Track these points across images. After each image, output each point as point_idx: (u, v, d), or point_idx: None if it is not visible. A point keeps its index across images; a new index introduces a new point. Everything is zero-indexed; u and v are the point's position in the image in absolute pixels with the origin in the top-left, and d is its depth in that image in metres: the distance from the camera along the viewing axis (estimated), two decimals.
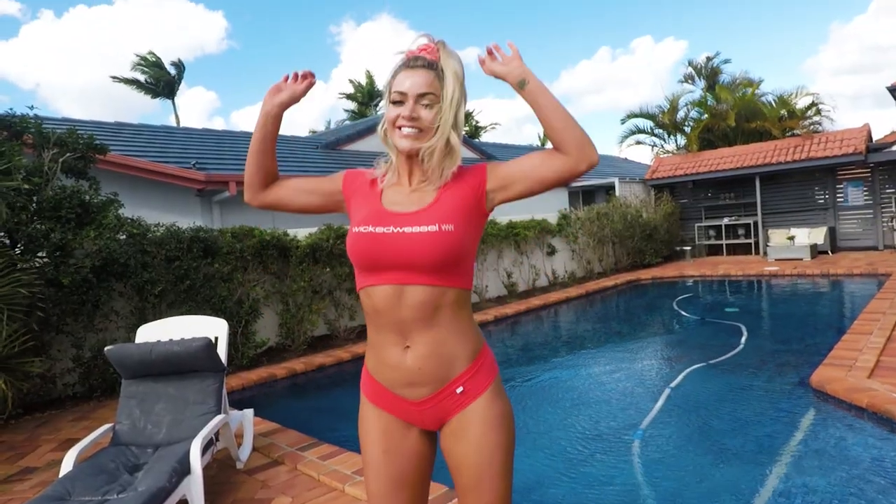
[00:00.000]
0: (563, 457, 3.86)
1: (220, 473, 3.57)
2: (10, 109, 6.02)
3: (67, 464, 2.87)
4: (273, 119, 1.58)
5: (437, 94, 1.43)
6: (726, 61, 20.06)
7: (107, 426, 3.28)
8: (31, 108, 6.15)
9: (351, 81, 29.70)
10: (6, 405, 4.63)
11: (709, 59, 20.02)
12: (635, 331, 8.22)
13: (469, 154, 17.09)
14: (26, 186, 5.32)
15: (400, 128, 1.44)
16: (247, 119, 55.31)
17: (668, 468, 3.58)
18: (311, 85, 1.56)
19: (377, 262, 1.41)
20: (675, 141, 19.93)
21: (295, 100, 1.56)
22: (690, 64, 20.23)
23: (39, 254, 5.43)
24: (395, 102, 1.45)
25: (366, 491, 1.54)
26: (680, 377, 5.41)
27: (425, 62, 1.45)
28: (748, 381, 5.25)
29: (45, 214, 5.55)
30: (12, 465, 4.03)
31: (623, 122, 19.35)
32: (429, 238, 1.37)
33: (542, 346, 7.47)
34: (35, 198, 5.57)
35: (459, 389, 1.46)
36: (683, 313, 8.79)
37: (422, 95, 1.42)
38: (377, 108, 27.85)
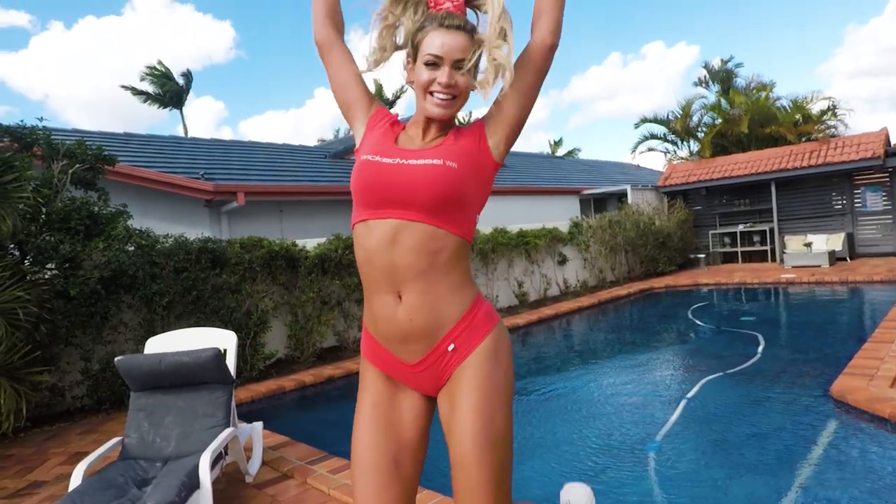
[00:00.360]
0: (576, 470, 3.83)
1: (230, 487, 3.57)
2: (21, 121, 6.11)
3: (76, 478, 2.88)
4: None
5: (472, 59, 1.43)
6: (739, 65, 20.04)
7: (115, 440, 3.29)
8: (41, 119, 6.25)
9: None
10: (18, 416, 4.66)
11: (723, 62, 19.98)
12: (649, 340, 8.16)
13: None
14: (40, 199, 5.40)
15: (432, 93, 1.42)
16: (255, 128, 55.80)
17: (684, 481, 3.54)
18: None
19: (378, 193, 1.39)
20: (688, 147, 19.88)
21: None
22: (705, 66, 20.19)
23: (49, 265, 5.49)
24: (428, 64, 1.42)
25: (351, 452, 1.48)
26: (696, 388, 5.36)
27: (460, 22, 1.43)
28: (766, 391, 5.19)
29: (54, 226, 5.62)
30: (21, 479, 4.05)
31: (637, 126, 19.33)
32: (432, 170, 1.37)
33: (554, 357, 7.43)
34: (44, 209, 5.64)
35: (451, 347, 1.41)
36: (698, 322, 8.72)
37: (458, 61, 1.40)
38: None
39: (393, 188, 1.37)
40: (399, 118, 1.60)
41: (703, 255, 15.05)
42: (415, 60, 1.46)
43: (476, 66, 1.46)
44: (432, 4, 1.48)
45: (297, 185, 10.05)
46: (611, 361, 7.06)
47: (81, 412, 5.62)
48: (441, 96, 1.41)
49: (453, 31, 1.41)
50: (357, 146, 1.56)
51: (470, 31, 1.44)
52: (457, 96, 1.42)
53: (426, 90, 1.43)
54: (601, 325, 9.69)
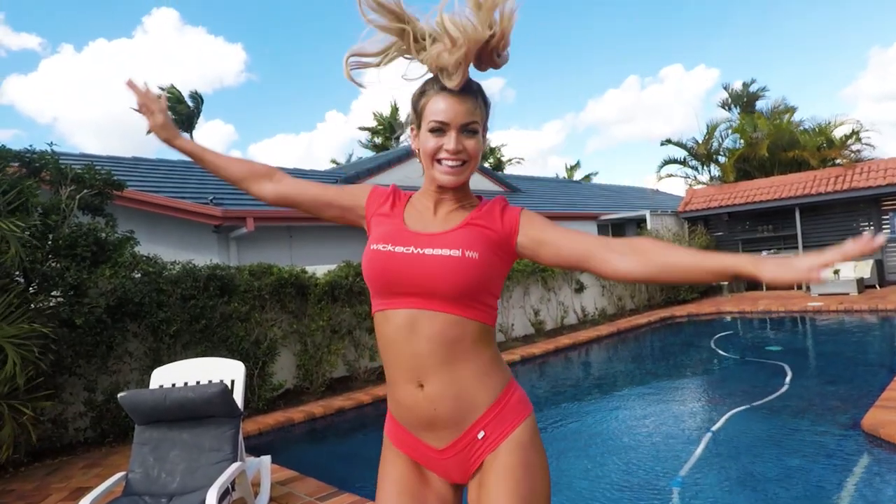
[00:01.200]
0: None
1: None
2: (30, 146, 6.22)
3: None
4: (177, 147, 1.65)
5: (479, 121, 1.38)
6: (764, 89, 20.09)
7: (119, 475, 3.28)
8: (51, 144, 6.35)
9: (374, 115, 30.24)
10: (18, 448, 4.66)
11: (745, 85, 20.07)
12: (671, 371, 8.06)
13: (493, 187, 17.21)
14: (49, 222, 5.48)
15: (440, 161, 1.37)
16: (265, 152, 56.53)
17: None
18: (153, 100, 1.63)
19: (394, 283, 1.35)
20: (709, 171, 19.88)
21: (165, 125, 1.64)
22: (725, 88, 20.30)
23: (54, 293, 5.55)
24: (434, 131, 1.36)
25: None
26: (722, 420, 5.28)
27: (466, 85, 1.36)
28: (795, 424, 5.10)
29: (60, 252, 5.69)
30: None
31: (663, 144, 19.35)
32: (451, 263, 1.31)
33: (572, 388, 7.36)
34: (51, 235, 5.72)
35: (481, 434, 1.37)
36: (722, 352, 8.61)
37: (466, 125, 1.35)
38: (399, 141, 28.27)
39: (408, 279, 1.33)
40: (398, 186, 1.56)
41: (726, 283, 14.91)
42: (419, 127, 1.41)
43: (485, 127, 1.42)
44: (433, 68, 1.37)
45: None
46: (631, 393, 6.97)
47: (84, 445, 5.62)
48: (450, 164, 1.36)
49: (458, 94, 1.34)
50: (368, 237, 1.51)
51: (476, 91, 1.38)
52: (467, 161, 1.37)
53: (433, 158, 1.38)
54: (621, 355, 9.59)
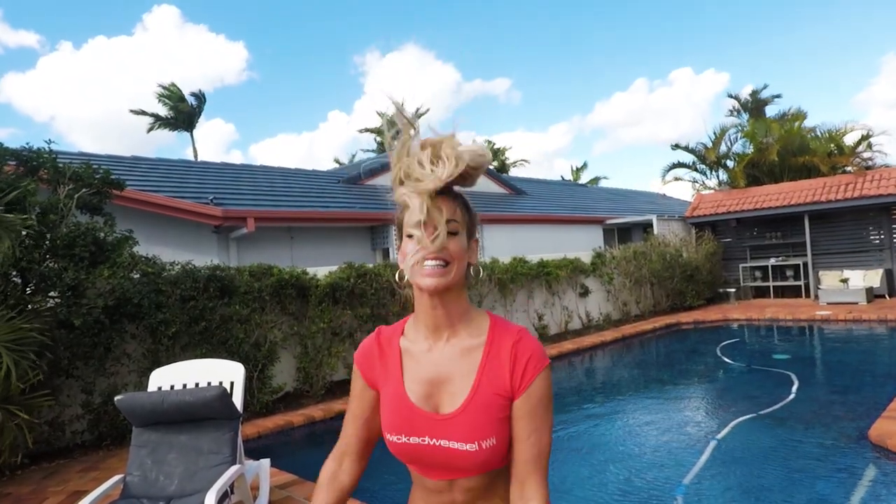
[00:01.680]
0: None
1: None
2: (27, 144, 6.26)
3: None
4: None
5: (460, 221, 1.30)
6: (777, 96, 20.11)
7: (117, 478, 3.31)
8: (49, 142, 6.39)
9: (379, 114, 30.28)
10: (15, 451, 4.69)
11: (755, 91, 20.11)
12: (676, 378, 8.08)
13: (497, 189, 17.24)
14: (47, 221, 5.51)
15: (421, 263, 1.28)
16: (266, 152, 56.59)
17: None
18: None
19: (419, 465, 1.36)
20: (717, 177, 19.90)
21: None
22: (734, 97, 20.29)
23: (51, 293, 5.58)
24: (412, 237, 1.29)
25: None
26: (727, 429, 5.30)
27: (443, 189, 1.29)
28: (801, 434, 5.11)
29: (58, 252, 5.72)
30: None
31: (674, 148, 19.38)
32: (471, 456, 1.27)
33: (575, 394, 7.37)
34: (49, 235, 5.76)
35: None
36: (728, 360, 8.61)
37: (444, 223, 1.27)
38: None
39: (433, 464, 1.32)
40: (378, 337, 1.44)
41: (733, 290, 14.92)
42: (400, 239, 1.34)
43: (467, 229, 1.34)
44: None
45: (309, 211, 10.18)
46: (635, 399, 6.99)
47: (81, 448, 5.65)
48: (431, 263, 1.26)
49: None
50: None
51: (454, 195, 1.32)
52: (449, 262, 1.27)
53: (417, 264, 1.28)
54: (625, 361, 9.60)
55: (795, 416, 5.60)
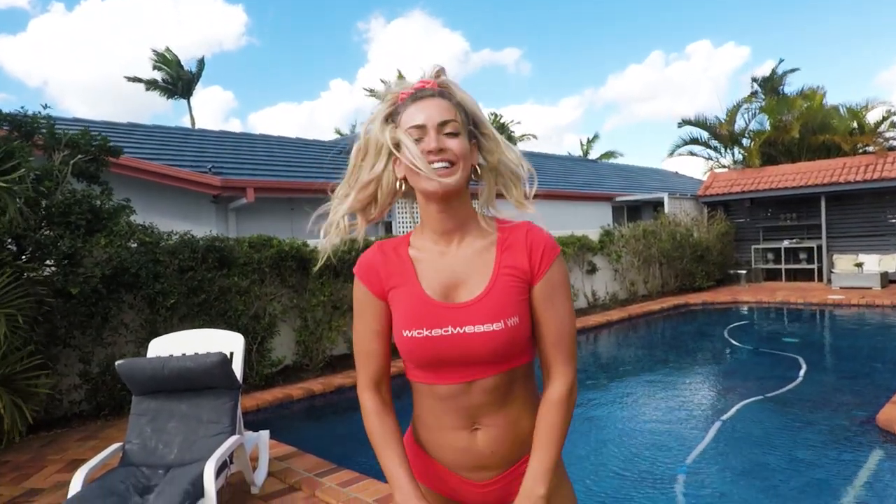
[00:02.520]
0: (600, 490, 3.87)
1: (234, 498, 3.67)
2: (22, 108, 6.28)
3: (76, 484, 2.99)
4: None
5: (459, 122, 1.33)
6: (794, 70, 19.85)
7: (116, 445, 3.40)
8: (45, 106, 6.40)
9: (383, 82, 30.09)
10: (13, 428, 4.77)
11: (774, 70, 19.87)
12: (683, 359, 8.16)
13: None
14: (42, 188, 5.55)
15: (431, 162, 1.30)
16: (265, 121, 56.40)
17: None
18: None
19: (437, 366, 1.33)
20: (732, 154, 19.77)
21: None
22: (753, 80, 20.04)
23: (48, 262, 5.65)
24: (399, 147, 1.33)
25: None
26: (733, 410, 5.38)
27: (434, 91, 1.36)
28: (807, 417, 5.19)
29: (54, 220, 5.77)
30: (17, 487, 4.18)
31: (680, 125, 19.24)
32: (495, 337, 1.29)
33: (580, 373, 7.44)
34: (44, 202, 5.81)
35: None
36: (735, 342, 8.68)
37: (443, 124, 1.31)
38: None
39: (453, 360, 1.31)
40: (382, 248, 1.44)
41: (743, 272, 14.95)
42: (399, 150, 1.35)
43: (472, 135, 1.37)
44: (401, 97, 1.38)
45: (310, 182, 10.18)
46: (640, 380, 7.08)
47: (79, 418, 5.76)
48: (437, 165, 1.29)
49: (427, 99, 1.34)
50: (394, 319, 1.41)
51: (447, 97, 1.36)
52: (454, 163, 1.30)
53: (415, 168, 1.30)
54: (631, 342, 9.68)
55: (803, 400, 5.68)
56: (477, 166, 1.40)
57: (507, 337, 1.29)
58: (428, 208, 1.37)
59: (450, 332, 1.29)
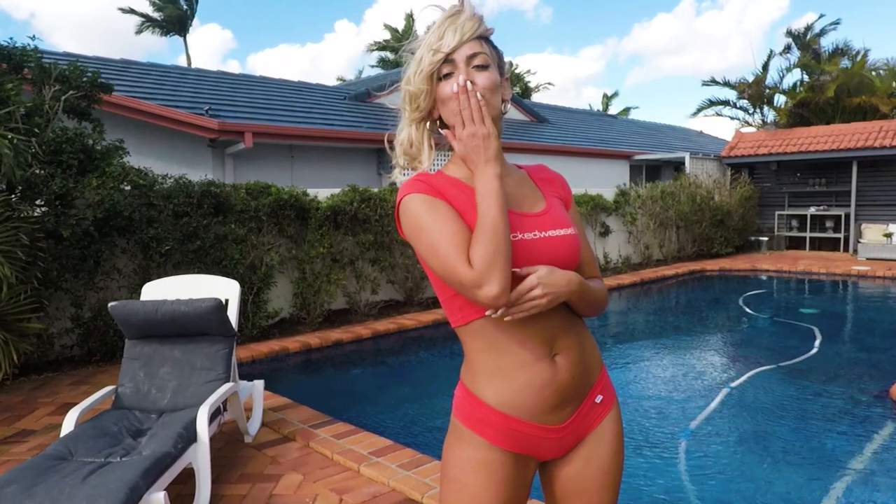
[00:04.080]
0: None
1: (227, 446, 3.81)
2: (10, 39, 6.27)
3: (68, 424, 3.11)
4: None
5: (488, 55, 1.41)
6: (835, 24, 19.37)
7: (109, 388, 3.52)
8: (33, 38, 6.40)
9: (387, 27, 29.70)
10: (7, 366, 4.90)
11: (810, 25, 19.43)
12: (695, 326, 8.26)
13: (517, 115, 17.07)
14: (32, 126, 5.57)
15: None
16: (265, 64, 55.76)
17: (717, 472, 3.69)
18: None
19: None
20: (761, 114, 19.51)
21: None
22: (789, 33, 19.55)
23: (38, 202, 5.72)
24: (445, 77, 1.39)
25: None
26: (742, 378, 5.49)
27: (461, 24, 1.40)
28: (819, 388, 5.29)
29: (44, 159, 5.82)
30: (9, 427, 4.35)
31: (707, 84, 18.98)
32: (573, 241, 1.43)
33: None
34: (34, 140, 5.84)
35: (599, 398, 1.49)
36: (749, 310, 8.75)
37: (472, 56, 1.38)
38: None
39: (542, 264, 1.35)
40: (426, 174, 1.46)
41: (765, 238, 14.94)
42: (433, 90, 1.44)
43: (499, 67, 1.45)
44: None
45: (311, 129, 10.19)
46: (648, 345, 7.19)
47: (71, 362, 5.92)
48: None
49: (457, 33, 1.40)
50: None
51: (476, 36, 1.41)
52: (485, 97, 1.37)
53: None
54: (642, 307, 9.78)
55: (816, 371, 5.77)
56: (507, 101, 1.49)
57: (576, 242, 1.44)
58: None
59: (539, 236, 1.38)
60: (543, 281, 1.30)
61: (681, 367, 6.12)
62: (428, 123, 1.48)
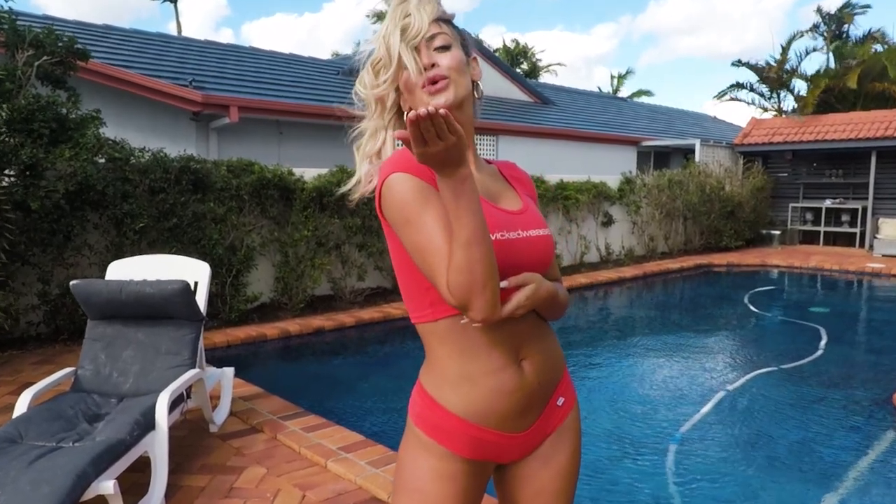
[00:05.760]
0: (585, 458, 3.98)
1: (191, 435, 3.79)
2: None
3: (21, 405, 3.10)
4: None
5: (448, 33, 1.39)
6: (866, 6, 19.16)
7: (68, 370, 3.51)
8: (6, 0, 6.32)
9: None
10: None
11: (845, 3, 19.22)
12: (697, 324, 8.24)
13: (520, 95, 16.98)
14: (2, 95, 5.52)
15: (423, 86, 1.36)
16: (260, 33, 55.42)
17: (706, 479, 3.67)
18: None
19: (506, 272, 1.31)
20: (779, 100, 19.38)
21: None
22: (819, 11, 19.35)
23: (7, 171, 5.68)
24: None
25: None
26: (741, 380, 5.48)
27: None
28: (821, 392, 5.28)
29: (15, 127, 5.77)
30: None
31: (735, 65, 18.77)
32: (550, 242, 1.47)
33: (581, 332, 7.55)
34: (5, 106, 5.79)
35: (561, 401, 1.50)
36: (755, 309, 8.74)
37: (431, 39, 1.36)
38: None
39: (523, 265, 1.35)
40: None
41: (777, 232, 14.91)
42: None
43: (463, 47, 1.43)
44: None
45: (301, 104, 10.12)
46: (647, 342, 7.18)
47: (36, 340, 5.92)
48: (432, 85, 1.35)
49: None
50: None
51: (435, 18, 1.39)
52: (446, 77, 1.35)
53: (420, 88, 1.37)
54: (643, 302, 9.77)
55: (819, 374, 5.76)
56: (478, 81, 1.46)
57: (552, 243, 1.48)
58: None
59: (521, 236, 1.38)
60: (532, 298, 1.31)
61: (677, 368, 6.11)
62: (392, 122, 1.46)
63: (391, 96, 1.42)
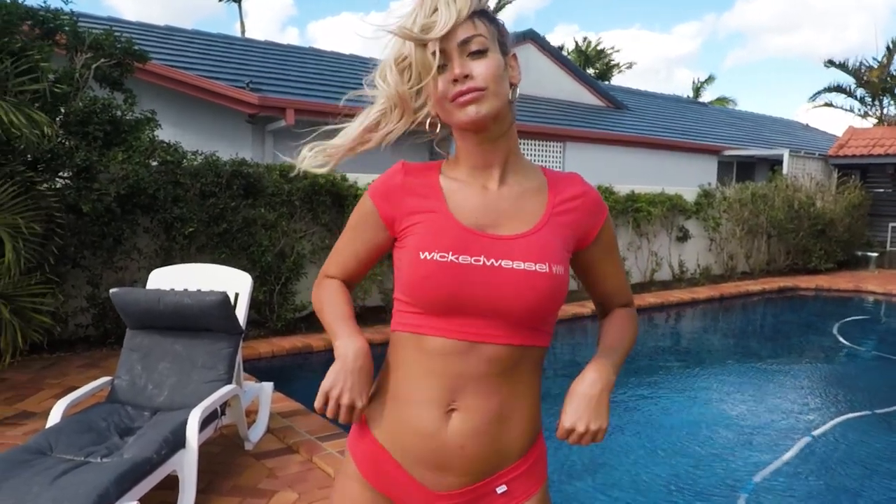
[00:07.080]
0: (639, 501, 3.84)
1: (225, 452, 3.83)
2: (45, 2, 6.47)
3: (55, 415, 3.18)
4: None
5: (485, 36, 1.28)
6: None
7: (105, 379, 3.59)
8: (67, 1, 6.58)
9: None
10: (7, 349, 5.07)
11: None
12: (779, 355, 7.91)
13: (590, 99, 16.76)
14: (60, 91, 5.71)
15: (453, 99, 1.27)
16: (326, 32, 56.52)
17: None
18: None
19: (449, 305, 1.25)
20: (881, 107, 18.54)
21: None
22: None
23: (61, 174, 5.91)
24: (440, 68, 1.29)
25: None
26: (828, 424, 5.18)
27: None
28: None
29: (71, 129, 6.01)
30: (10, 407, 4.55)
31: (827, 66, 18.12)
32: (536, 280, 1.25)
33: (646, 358, 7.33)
34: (62, 109, 6.03)
35: (502, 489, 1.33)
36: (845, 341, 8.32)
37: (465, 42, 1.26)
38: None
39: (476, 302, 1.24)
40: (405, 169, 1.42)
41: (875, 254, 14.25)
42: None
43: (498, 43, 1.32)
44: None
45: (357, 107, 10.19)
46: (720, 374, 6.93)
47: (84, 343, 6.14)
48: (462, 97, 1.26)
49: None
50: (397, 241, 1.39)
51: (470, 16, 1.29)
52: (482, 88, 1.25)
53: (443, 101, 1.29)
54: (718, 327, 9.46)
55: None
56: (516, 85, 1.36)
57: (549, 285, 1.25)
58: (465, 140, 1.35)
59: (482, 263, 1.25)
60: (586, 423, 1.29)
61: (753, 406, 5.83)
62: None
63: (414, 98, 1.35)
